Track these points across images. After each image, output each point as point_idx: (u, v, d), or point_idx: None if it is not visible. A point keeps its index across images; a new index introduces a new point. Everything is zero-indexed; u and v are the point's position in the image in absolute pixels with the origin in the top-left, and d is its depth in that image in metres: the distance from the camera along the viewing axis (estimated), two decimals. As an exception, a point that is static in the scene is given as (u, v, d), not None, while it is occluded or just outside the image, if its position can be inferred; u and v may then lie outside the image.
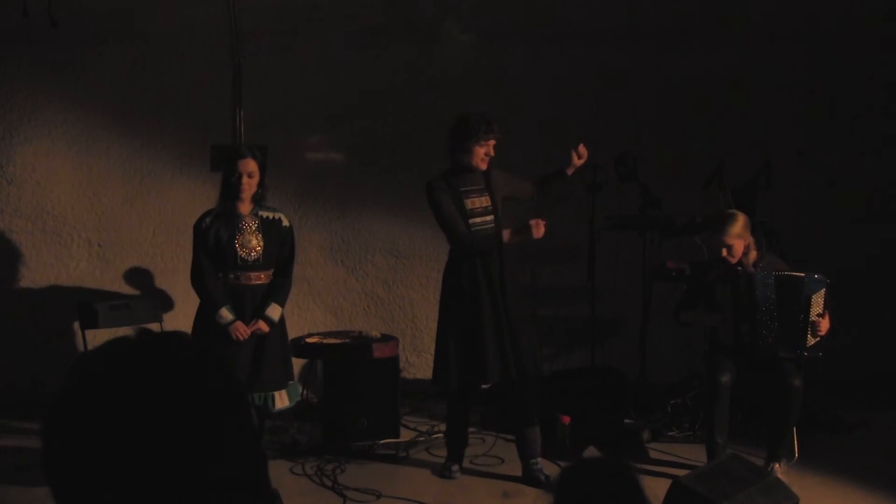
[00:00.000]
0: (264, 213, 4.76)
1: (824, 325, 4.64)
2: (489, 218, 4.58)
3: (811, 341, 4.66)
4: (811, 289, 4.63)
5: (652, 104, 6.40)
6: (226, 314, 4.58)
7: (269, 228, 4.74)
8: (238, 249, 4.62)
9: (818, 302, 4.65)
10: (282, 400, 4.74)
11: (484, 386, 4.92)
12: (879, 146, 6.55)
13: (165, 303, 5.90)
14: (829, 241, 6.34)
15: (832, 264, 5.38)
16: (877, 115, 6.53)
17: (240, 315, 4.62)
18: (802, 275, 4.64)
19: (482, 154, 4.50)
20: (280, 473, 4.73)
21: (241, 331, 4.60)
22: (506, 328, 4.54)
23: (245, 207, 4.69)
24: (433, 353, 6.46)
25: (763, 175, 5.77)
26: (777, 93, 6.47)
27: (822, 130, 6.53)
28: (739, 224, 4.70)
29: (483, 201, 4.57)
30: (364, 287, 6.47)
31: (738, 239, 4.69)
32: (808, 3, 6.29)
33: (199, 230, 4.65)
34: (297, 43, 6.24)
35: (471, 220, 4.55)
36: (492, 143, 4.51)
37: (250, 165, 4.64)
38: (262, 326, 4.67)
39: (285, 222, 4.83)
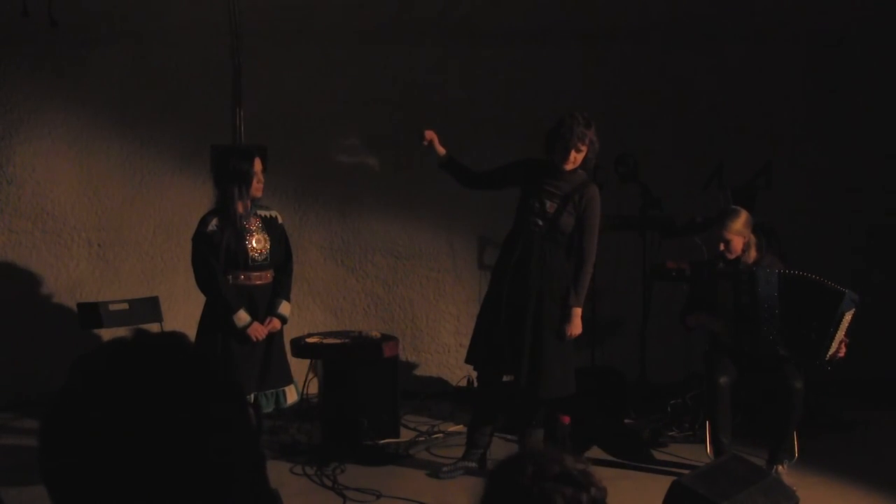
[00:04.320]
0: (262, 212, 4.80)
1: (844, 347, 4.61)
2: (540, 223, 4.57)
3: (830, 355, 4.61)
4: (847, 306, 4.54)
5: (652, 104, 6.40)
6: (244, 316, 4.62)
7: (270, 227, 4.78)
8: (249, 250, 4.65)
9: (847, 320, 4.57)
10: (291, 394, 4.85)
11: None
12: (879, 146, 6.55)
13: (165, 303, 5.89)
14: (829, 241, 6.34)
15: (832, 264, 5.38)
16: (877, 116, 6.53)
17: (253, 315, 4.66)
18: (845, 290, 4.53)
19: (559, 150, 4.51)
20: (280, 473, 4.73)
21: (260, 331, 4.65)
22: (508, 323, 4.54)
23: (245, 207, 4.71)
24: (434, 352, 6.53)
25: (763, 175, 5.78)
26: (777, 93, 6.47)
27: (821, 131, 6.53)
28: (740, 220, 4.65)
29: (548, 206, 4.56)
30: (364, 287, 6.47)
31: (738, 235, 4.63)
32: (808, 3, 6.28)
33: (206, 234, 4.64)
34: (297, 43, 6.24)
35: (525, 214, 4.61)
36: (572, 145, 4.48)
37: (261, 165, 4.69)
38: (277, 324, 4.75)
39: (280, 219, 4.90)
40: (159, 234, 6.25)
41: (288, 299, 4.83)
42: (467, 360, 4.86)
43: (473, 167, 4.88)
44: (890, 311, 6.40)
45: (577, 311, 4.54)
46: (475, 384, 5.29)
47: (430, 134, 4.66)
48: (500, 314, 4.58)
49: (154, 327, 5.63)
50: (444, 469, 4.79)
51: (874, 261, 6.47)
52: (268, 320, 4.71)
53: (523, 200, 4.65)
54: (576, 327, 4.55)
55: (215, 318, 4.66)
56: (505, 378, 4.74)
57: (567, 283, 4.57)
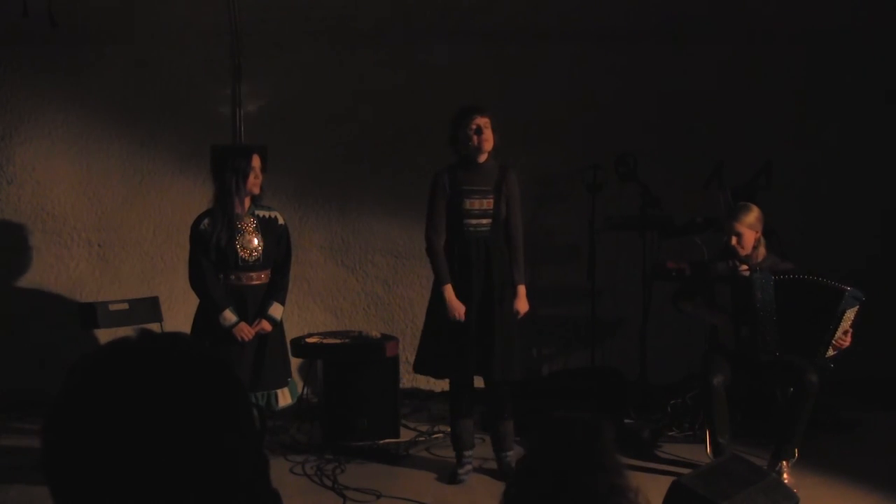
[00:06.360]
0: (261, 213, 4.77)
1: (847, 340, 4.57)
2: (485, 221, 4.59)
3: (830, 353, 4.57)
4: (849, 303, 4.50)
5: (652, 104, 6.40)
6: (229, 316, 4.59)
7: (266, 227, 4.75)
8: (239, 250, 4.63)
9: (849, 318, 4.53)
10: (284, 397, 4.79)
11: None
12: (878, 147, 6.55)
13: (165, 303, 5.90)
14: (829, 242, 6.34)
15: (832, 265, 5.38)
16: (876, 116, 6.53)
17: (242, 315, 4.63)
18: (846, 289, 4.48)
19: (470, 133, 4.52)
20: (280, 473, 4.73)
21: (246, 332, 4.62)
22: (473, 327, 4.56)
23: (243, 207, 4.69)
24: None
25: (763, 175, 5.78)
26: (777, 93, 6.47)
27: (821, 131, 6.53)
28: (753, 215, 4.64)
29: (485, 204, 4.58)
30: (364, 287, 6.47)
31: (750, 229, 4.62)
32: (807, 4, 6.29)
33: (198, 232, 4.65)
34: (297, 43, 6.24)
35: (466, 220, 4.59)
36: (477, 119, 4.51)
37: (259, 162, 4.67)
38: (266, 326, 4.70)
39: (281, 220, 4.85)
40: (159, 234, 6.25)
41: (281, 302, 4.77)
42: (440, 375, 4.81)
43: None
44: (890, 311, 6.40)
45: (524, 289, 4.69)
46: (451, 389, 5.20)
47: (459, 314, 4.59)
48: (471, 321, 4.57)
49: (154, 327, 5.62)
50: (461, 473, 4.75)
51: (874, 261, 6.47)
52: (256, 322, 4.68)
53: (456, 206, 4.59)
54: (525, 304, 4.70)
55: (206, 319, 4.65)
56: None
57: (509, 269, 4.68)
